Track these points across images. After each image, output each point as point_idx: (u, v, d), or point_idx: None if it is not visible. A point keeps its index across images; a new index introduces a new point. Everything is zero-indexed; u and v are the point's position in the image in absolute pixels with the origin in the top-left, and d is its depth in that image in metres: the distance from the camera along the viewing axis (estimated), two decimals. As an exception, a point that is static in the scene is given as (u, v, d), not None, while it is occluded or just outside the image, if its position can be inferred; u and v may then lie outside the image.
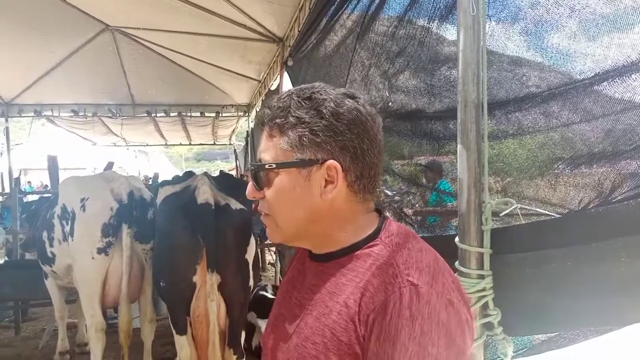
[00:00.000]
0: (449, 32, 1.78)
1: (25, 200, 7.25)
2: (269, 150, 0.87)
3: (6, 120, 8.90)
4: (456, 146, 1.59)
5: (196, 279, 2.90)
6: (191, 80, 7.89)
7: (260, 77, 7.04)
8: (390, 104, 2.33)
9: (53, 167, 5.75)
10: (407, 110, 2.16)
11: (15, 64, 7.33)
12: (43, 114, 8.85)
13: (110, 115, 8.96)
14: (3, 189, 8.41)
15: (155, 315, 3.86)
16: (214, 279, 2.84)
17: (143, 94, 8.58)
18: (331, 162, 0.83)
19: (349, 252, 0.86)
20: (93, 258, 3.24)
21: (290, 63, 4.96)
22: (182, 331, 2.97)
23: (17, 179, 7.26)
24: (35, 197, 7.74)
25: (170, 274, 2.99)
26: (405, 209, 2.66)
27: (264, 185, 0.88)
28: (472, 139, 1.52)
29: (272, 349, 0.93)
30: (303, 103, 0.84)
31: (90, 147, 13.09)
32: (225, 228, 2.92)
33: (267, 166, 0.86)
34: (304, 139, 0.83)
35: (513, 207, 1.54)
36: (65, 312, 4.43)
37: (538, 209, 1.56)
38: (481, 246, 1.54)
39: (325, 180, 0.85)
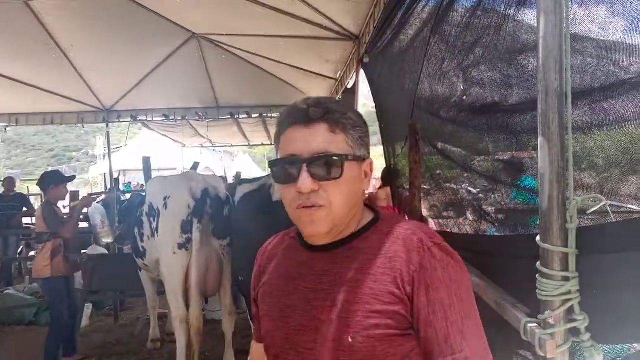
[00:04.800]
0: (528, 18, 1.66)
1: (123, 198, 7.87)
2: (334, 144, 0.95)
3: (107, 126, 9.73)
4: (535, 140, 1.47)
5: (272, 274, 2.96)
6: (271, 82, 8.11)
7: (337, 75, 7.07)
8: (464, 97, 2.22)
9: (147, 167, 6.19)
10: (482, 103, 2.05)
11: (114, 74, 7.99)
12: (138, 118, 9.57)
13: (197, 118, 9.48)
14: (106, 188, 9.20)
15: (236, 308, 4.01)
16: (289, 275, 2.89)
17: (227, 97, 8.97)
18: (370, 158, 1.03)
19: (359, 235, 1.01)
20: (174, 253, 3.44)
21: (366, 60, 4.92)
22: (260, 325, 3.06)
23: (117, 179, 7.91)
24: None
25: (247, 269, 3.08)
26: (484, 207, 2.53)
27: (333, 175, 0.94)
28: (554, 130, 1.40)
29: (289, 337, 1.00)
30: (349, 108, 0.99)
31: (180, 149, 13.93)
32: (300, 225, 2.96)
33: (349, 157, 0.96)
34: (364, 139, 1.00)
35: (602, 203, 1.40)
36: (157, 302, 4.75)
37: (632, 206, 1.41)
38: (565, 246, 1.42)
39: (365, 174, 1.02)
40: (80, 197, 5.36)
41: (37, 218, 4.39)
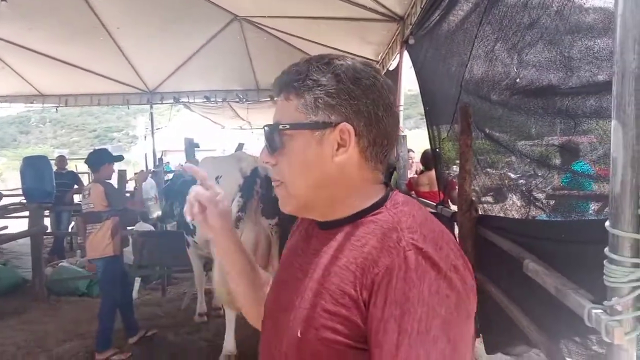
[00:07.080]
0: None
1: (165, 178, 8.09)
2: (284, 113, 0.87)
3: (151, 107, 9.99)
4: (596, 125, 1.43)
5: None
6: (311, 64, 8.10)
7: (379, 57, 7.00)
8: (518, 80, 2.17)
9: (190, 147, 6.36)
10: (537, 86, 2.00)
11: (158, 56, 8.16)
12: (181, 100, 9.78)
13: (237, 100, 9.59)
14: (147, 167, 9.46)
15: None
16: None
17: (267, 79, 9.01)
18: (344, 124, 0.82)
19: (354, 219, 0.85)
20: (226, 231, 3.53)
21: (411, 41, 4.84)
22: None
23: (160, 159, 8.13)
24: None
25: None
26: (534, 193, 2.49)
27: (276, 148, 0.87)
28: (630, 113, 1.36)
29: (271, 312, 0.94)
30: (321, 67, 0.83)
31: (220, 131, 14.15)
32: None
33: (280, 127, 0.85)
34: (320, 101, 0.82)
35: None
36: (204, 278, 4.90)
37: None
38: (637, 232, 1.39)
39: (338, 144, 0.83)
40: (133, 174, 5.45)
41: (94, 197, 4.05)
